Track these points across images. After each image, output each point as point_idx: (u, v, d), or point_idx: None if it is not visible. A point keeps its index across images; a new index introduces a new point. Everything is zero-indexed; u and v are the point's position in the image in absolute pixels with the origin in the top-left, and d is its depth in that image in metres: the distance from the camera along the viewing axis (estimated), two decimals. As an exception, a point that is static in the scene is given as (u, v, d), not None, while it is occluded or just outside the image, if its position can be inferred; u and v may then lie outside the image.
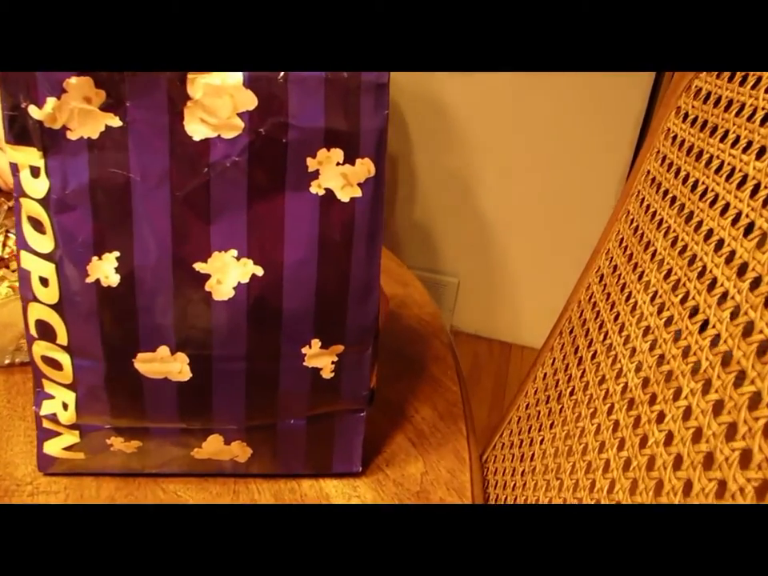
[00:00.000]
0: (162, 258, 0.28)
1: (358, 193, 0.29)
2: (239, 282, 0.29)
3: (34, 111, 0.25)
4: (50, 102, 0.25)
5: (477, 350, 1.95)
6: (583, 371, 0.36)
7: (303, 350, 0.32)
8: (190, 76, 0.26)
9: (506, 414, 0.49)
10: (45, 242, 0.28)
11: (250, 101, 0.26)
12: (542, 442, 0.38)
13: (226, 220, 0.28)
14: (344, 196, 0.29)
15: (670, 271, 0.30)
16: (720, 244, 0.28)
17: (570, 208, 1.71)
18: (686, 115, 0.33)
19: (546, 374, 0.43)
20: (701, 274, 0.29)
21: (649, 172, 0.38)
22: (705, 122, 0.34)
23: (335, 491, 0.38)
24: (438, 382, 0.49)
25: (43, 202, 0.27)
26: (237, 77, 0.26)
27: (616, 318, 0.34)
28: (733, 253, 0.27)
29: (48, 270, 0.28)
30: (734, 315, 0.24)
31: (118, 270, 0.28)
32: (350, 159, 0.28)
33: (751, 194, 0.26)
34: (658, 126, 0.37)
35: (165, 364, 0.30)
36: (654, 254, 0.33)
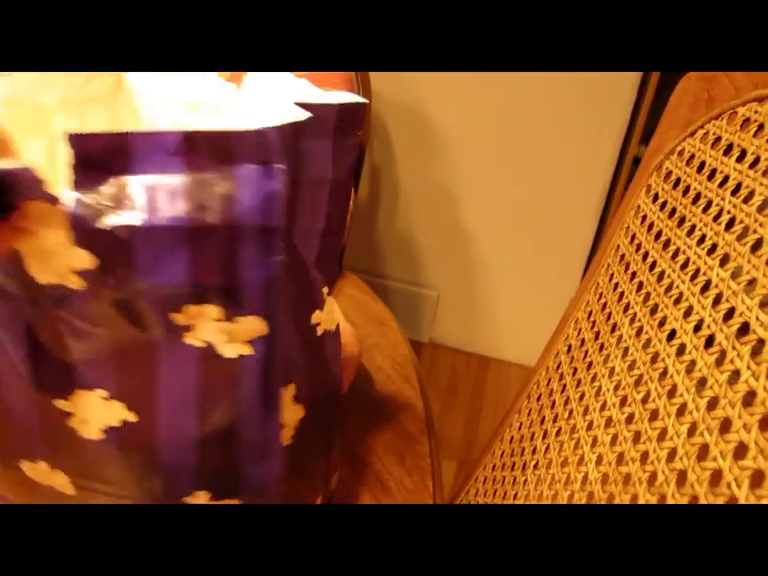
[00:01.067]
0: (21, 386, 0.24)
1: (247, 350, 0.24)
2: (108, 426, 0.25)
3: None
4: None
5: (455, 363, 1.96)
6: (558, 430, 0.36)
7: (187, 500, 0.28)
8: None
9: (489, 439, 0.49)
10: None
11: (86, 261, 0.21)
12: (524, 482, 0.38)
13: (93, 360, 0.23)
14: (229, 352, 0.24)
15: (670, 285, 0.31)
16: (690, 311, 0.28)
17: (552, 223, 1.72)
18: (656, 197, 0.34)
19: (540, 395, 0.43)
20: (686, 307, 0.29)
21: (618, 247, 0.39)
22: (674, 210, 0.34)
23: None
24: (407, 434, 0.49)
25: None
26: (61, 236, 0.20)
27: (613, 330, 0.34)
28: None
29: None
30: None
31: None
32: (229, 316, 0.23)
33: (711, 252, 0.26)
34: (628, 202, 0.37)
35: (47, 475, 0.27)
36: (652, 267, 0.33)
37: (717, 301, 0.27)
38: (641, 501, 0.28)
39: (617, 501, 0.29)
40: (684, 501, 0.24)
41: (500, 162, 1.70)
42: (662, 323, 0.33)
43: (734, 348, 0.25)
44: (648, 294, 0.35)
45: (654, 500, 0.27)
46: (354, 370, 0.48)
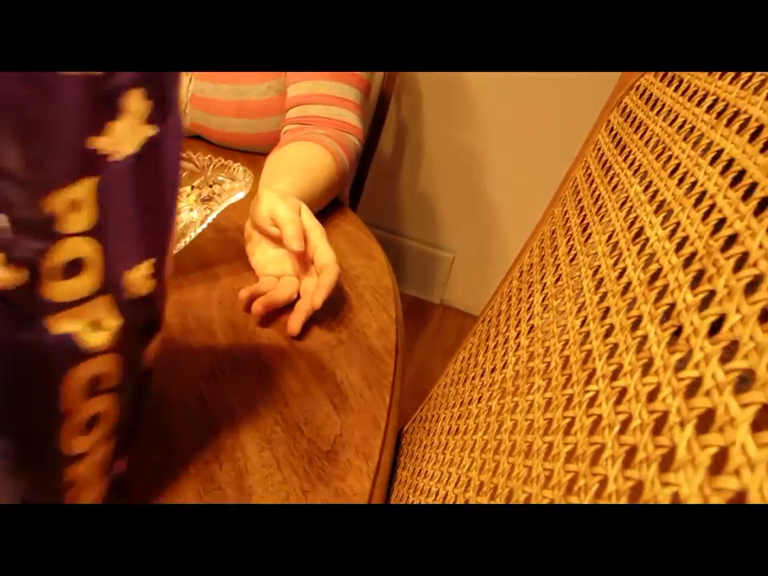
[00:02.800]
0: None
1: None
2: None
3: None
4: None
5: (463, 327, 1.98)
6: (485, 359, 0.38)
7: None
8: None
9: (430, 391, 0.52)
10: None
11: None
12: (442, 420, 0.41)
13: None
14: None
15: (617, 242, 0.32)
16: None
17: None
18: (612, 130, 0.35)
19: (462, 358, 0.46)
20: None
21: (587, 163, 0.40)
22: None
23: (251, 442, 0.41)
24: (375, 354, 0.52)
25: None
26: None
27: (517, 314, 0.36)
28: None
29: None
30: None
31: None
32: None
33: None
34: (591, 137, 0.38)
35: None
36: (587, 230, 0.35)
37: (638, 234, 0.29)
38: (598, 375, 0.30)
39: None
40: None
41: (528, 132, 1.69)
42: (590, 243, 0.34)
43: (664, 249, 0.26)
44: (586, 221, 0.36)
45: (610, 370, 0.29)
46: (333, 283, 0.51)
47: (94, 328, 0.24)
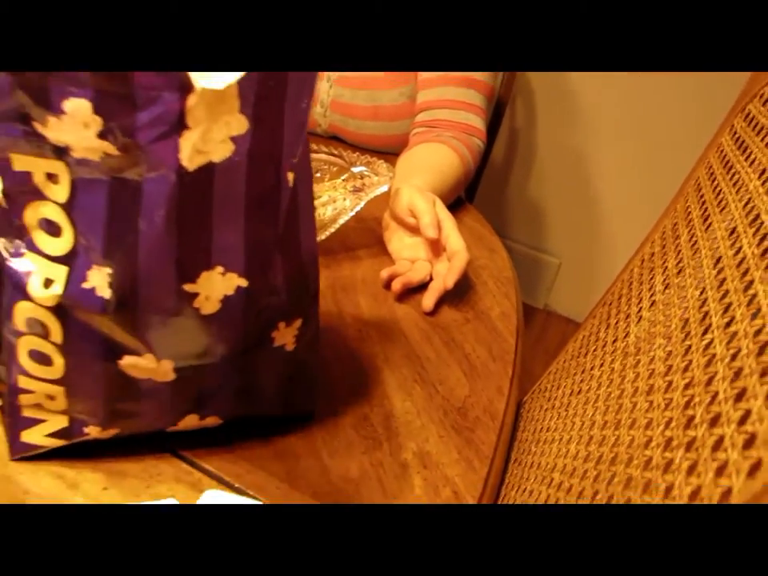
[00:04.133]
0: (157, 278, 0.29)
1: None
2: (225, 295, 0.31)
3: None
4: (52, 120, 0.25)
5: (566, 333, 1.99)
6: (606, 334, 0.43)
7: (273, 335, 0.36)
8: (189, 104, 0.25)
9: (548, 367, 0.57)
10: (59, 245, 0.29)
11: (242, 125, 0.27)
12: (564, 387, 0.46)
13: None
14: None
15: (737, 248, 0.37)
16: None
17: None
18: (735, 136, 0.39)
19: (583, 336, 0.51)
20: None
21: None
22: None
23: (395, 394, 0.48)
24: (498, 333, 0.58)
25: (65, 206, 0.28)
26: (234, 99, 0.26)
27: (638, 295, 0.41)
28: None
29: (57, 272, 0.29)
30: None
31: (111, 284, 0.29)
32: None
33: None
34: (714, 141, 0.42)
35: (149, 368, 0.33)
36: (695, 245, 0.40)
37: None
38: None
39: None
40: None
41: (637, 139, 1.68)
42: (711, 230, 0.38)
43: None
44: (707, 213, 0.40)
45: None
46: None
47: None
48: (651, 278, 0.39)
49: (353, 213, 0.62)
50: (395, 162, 0.81)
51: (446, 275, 0.59)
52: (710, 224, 0.34)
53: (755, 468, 0.21)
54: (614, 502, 0.29)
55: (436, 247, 0.64)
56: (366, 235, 0.70)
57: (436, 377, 0.51)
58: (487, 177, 1.92)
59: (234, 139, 0.27)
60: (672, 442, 0.27)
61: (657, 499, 0.26)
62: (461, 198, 0.88)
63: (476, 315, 0.60)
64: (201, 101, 0.25)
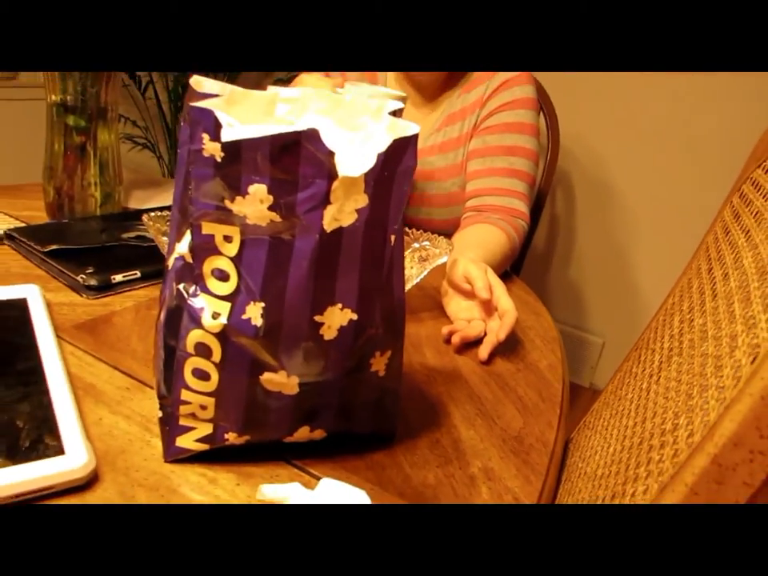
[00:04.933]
0: (297, 311, 0.40)
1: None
2: (341, 325, 0.42)
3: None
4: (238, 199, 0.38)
5: (612, 411, 2.02)
6: (642, 377, 0.52)
7: (371, 361, 0.46)
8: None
9: (593, 404, 0.65)
10: (225, 287, 0.40)
11: (364, 201, 0.39)
12: (606, 425, 0.54)
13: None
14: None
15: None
16: None
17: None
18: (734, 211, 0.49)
19: (619, 377, 0.59)
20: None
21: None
22: None
23: (460, 424, 0.57)
24: (546, 381, 0.67)
25: (234, 258, 0.39)
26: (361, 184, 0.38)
27: (670, 334, 0.50)
28: None
29: (223, 307, 0.41)
30: None
31: (263, 315, 0.40)
32: None
33: None
34: (717, 218, 0.52)
35: (281, 383, 0.43)
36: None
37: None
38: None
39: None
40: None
41: (675, 222, 1.78)
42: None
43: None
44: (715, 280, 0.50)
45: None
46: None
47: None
48: (672, 325, 0.48)
49: (418, 280, 0.74)
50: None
51: (498, 330, 0.69)
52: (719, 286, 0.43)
53: None
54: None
55: (488, 308, 0.74)
56: (427, 301, 0.82)
57: (494, 412, 0.60)
58: (530, 259, 2.03)
59: (357, 210, 0.39)
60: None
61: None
62: (507, 271, 0.99)
63: (526, 366, 0.69)
64: (341, 184, 0.37)
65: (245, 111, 0.45)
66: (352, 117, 0.50)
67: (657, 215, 1.82)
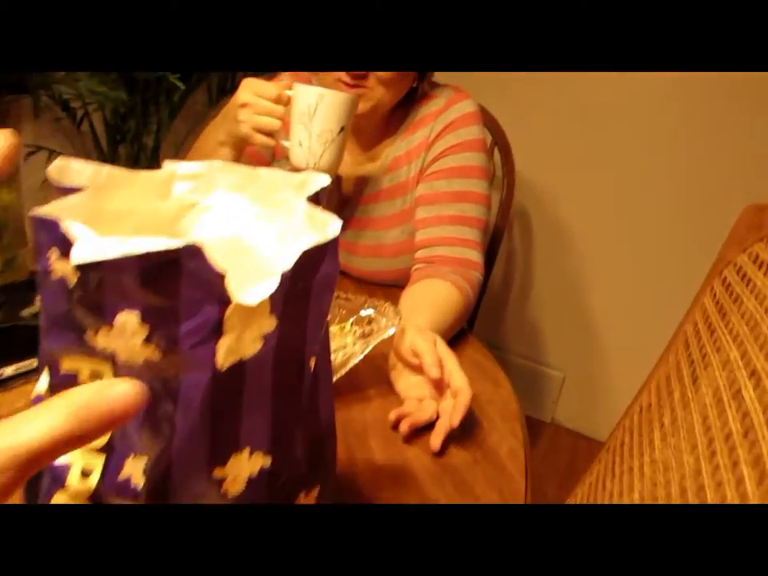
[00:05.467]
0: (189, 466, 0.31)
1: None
2: (250, 476, 0.33)
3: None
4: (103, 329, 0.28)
5: (576, 448, 1.96)
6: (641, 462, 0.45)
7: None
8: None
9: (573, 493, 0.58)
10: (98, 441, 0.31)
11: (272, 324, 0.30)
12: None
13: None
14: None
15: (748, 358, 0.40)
16: None
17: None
18: (715, 296, 0.43)
19: (590, 483, 0.52)
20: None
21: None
22: None
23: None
24: (507, 473, 0.59)
25: None
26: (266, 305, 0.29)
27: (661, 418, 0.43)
28: None
29: (95, 462, 0.32)
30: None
31: (145, 471, 0.31)
32: None
33: None
34: (698, 300, 0.46)
35: None
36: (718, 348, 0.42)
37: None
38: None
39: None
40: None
41: (634, 255, 1.75)
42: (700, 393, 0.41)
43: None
44: (695, 373, 0.43)
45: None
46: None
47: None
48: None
49: (362, 356, 0.65)
50: (399, 296, 0.85)
51: (451, 414, 0.61)
52: (699, 386, 0.37)
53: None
54: None
55: (440, 385, 0.66)
56: (375, 374, 0.73)
57: (449, 525, 0.51)
58: (488, 295, 1.98)
59: (264, 336, 0.30)
60: None
61: None
62: (463, 327, 0.91)
63: (484, 454, 0.62)
64: (236, 311, 0.29)
65: (130, 197, 0.37)
66: (269, 192, 0.42)
67: (614, 248, 1.79)
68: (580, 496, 0.54)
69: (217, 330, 0.29)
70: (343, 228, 1.01)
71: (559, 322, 1.97)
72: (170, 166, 0.38)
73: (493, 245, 1.47)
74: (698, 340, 0.40)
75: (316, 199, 0.39)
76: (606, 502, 0.45)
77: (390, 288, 1.01)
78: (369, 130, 0.99)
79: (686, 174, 1.63)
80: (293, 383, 0.33)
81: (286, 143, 0.85)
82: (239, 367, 0.30)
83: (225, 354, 0.29)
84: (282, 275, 0.29)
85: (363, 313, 0.70)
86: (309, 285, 0.32)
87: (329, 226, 0.34)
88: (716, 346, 0.37)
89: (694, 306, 0.46)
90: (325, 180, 0.40)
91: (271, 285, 0.29)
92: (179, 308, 0.28)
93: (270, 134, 0.85)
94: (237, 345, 0.30)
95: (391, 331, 0.66)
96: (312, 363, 0.34)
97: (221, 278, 0.28)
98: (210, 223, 0.43)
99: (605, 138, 1.70)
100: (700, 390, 0.35)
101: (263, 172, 0.42)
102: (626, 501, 0.39)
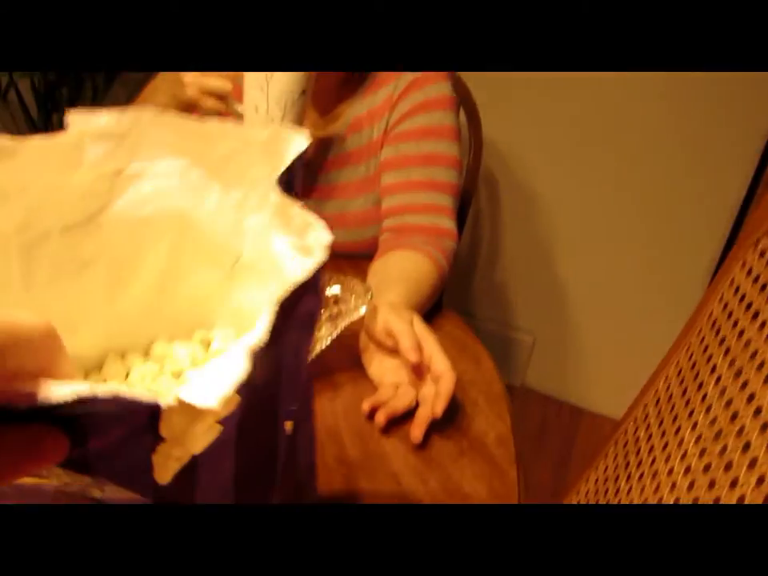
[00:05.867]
0: None
1: None
2: None
3: None
4: None
5: (546, 412, 1.95)
6: (666, 443, 0.40)
7: None
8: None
9: (575, 483, 0.53)
10: None
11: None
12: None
13: None
14: None
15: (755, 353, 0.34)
16: None
17: (653, 280, 1.70)
18: (750, 271, 0.37)
19: (626, 442, 0.47)
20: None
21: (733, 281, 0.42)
22: None
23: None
24: (496, 466, 0.54)
25: None
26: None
27: (699, 388, 0.38)
28: None
29: None
30: None
31: None
32: None
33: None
34: (724, 274, 0.41)
35: None
36: (740, 334, 0.37)
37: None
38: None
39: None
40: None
41: (602, 217, 1.71)
42: (743, 386, 0.36)
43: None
44: (734, 360, 0.38)
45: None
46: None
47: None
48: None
49: (328, 342, 0.59)
50: (365, 266, 0.79)
51: (433, 402, 0.55)
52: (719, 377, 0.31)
53: None
54: None
55: (419, 369, 0.60)
56: (344, 356, 0.66)
57: (437, 530, 0.46)
58: (456, 261, 1.92)
59: (221, 421, 0.22)
60: None
61: None
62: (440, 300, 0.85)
63: (470, 443, 0.56)
64: (179, 411, 0.20)
65: (20, 170, 0.28)
66: (220, 154, 0.34)
67: (584, 212, 1.74)
68: (594, 481, 0.49)
69: (149, 441, 0.20)
70: (304, 197, 0.93)
71: (528, 286, 1.93)
72: (77, 123, 0.30)
73: (461, 210, 1.40)
74: (731, 318, 0.35)
75: (289, 176, 0.30)
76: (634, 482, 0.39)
77: (357, 260, 0.94)
78: (327, 89, 0.89)
79: (657, 134, 1.59)
80: (262, 459, 0.26)
81: (239, 108, 0.76)
82: (189, 466, 0.22)
83: (165, 465, 0.21)
84: (254, 347, 0.21)
85: (329, 292, 0.63)
86: (282, 328, 0.24)
87: (313, 246, 0.26)
88: (742, 341, 0.31)
89: (718, 283, 0.40)
90: (300, 141, 0.32)
91: (237, 369, 0.20)
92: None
93: (220, 97, 0.76)
94: (182, 446, 0.22)
95: (362, 311, 0.59)
96: (288, 426, 0.27)
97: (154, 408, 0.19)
98: (138, 197, 0.35)
99: (575, 99, 1.64)
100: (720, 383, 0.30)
101: (210, 126, 0.33)
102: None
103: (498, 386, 0.66)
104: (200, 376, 0.19)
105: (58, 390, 0.16)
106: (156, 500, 0.21)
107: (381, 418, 0.55)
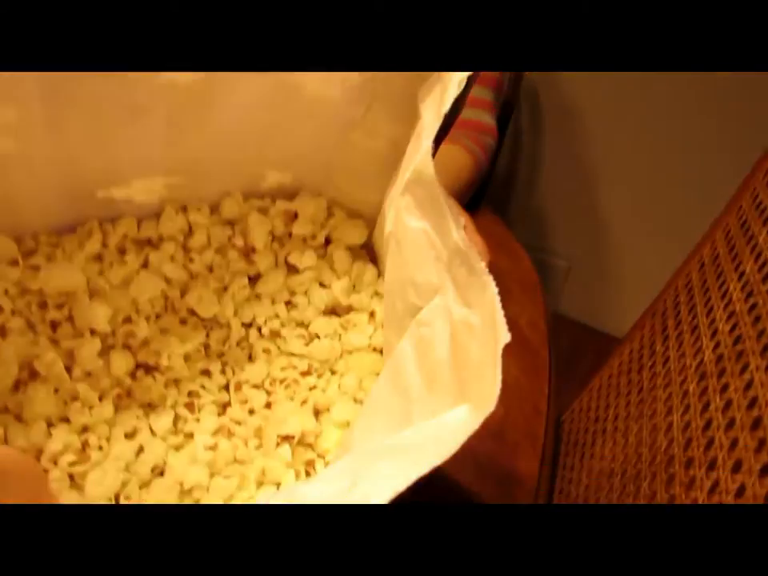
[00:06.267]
0: None
1: None
2: None
3: None
4: None
5: (578, 338, 1.93)
6: (666, 347, 0.38)
7: None
8: None
9: (588, 382, 0.52)
10: None
11: None
12: (615, 407, 0.41)
13: None
14: None
15: (764, 264, 0.32)
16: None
17: (689, 210, 1.63)
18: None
19: (632, 350, 0.45)
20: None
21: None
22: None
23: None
24: (529, 346, 0.53)
25: None
26: None
27: (707, 303, 0.36)
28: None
29: None
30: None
31: None
32: None
33: None
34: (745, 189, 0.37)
35: None
36: (754, 248, 0.34)
37: None
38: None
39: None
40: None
41: (641, 146, 1.63)
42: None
43: None
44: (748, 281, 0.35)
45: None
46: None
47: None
48: (722, 285, 0.34)
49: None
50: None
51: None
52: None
53: None
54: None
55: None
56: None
57: (466, 398, 0.45)
58: (493, 182, 1.88)
59: None
60: None
61: None
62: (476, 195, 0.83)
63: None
64: None
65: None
66: None
67: (629, 135, 1.66)
68: (617, 366, 0.48)
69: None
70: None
71: (566, 210, 1.88)
72: None
73: (502, 122, 1.35)
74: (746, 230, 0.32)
75: None
76: (659, 367, 0.38)
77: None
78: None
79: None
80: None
81: None
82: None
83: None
84: None
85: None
86: None
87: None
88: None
89: (742, 190, 0.37)
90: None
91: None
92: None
93: None
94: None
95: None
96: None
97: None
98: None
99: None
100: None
101: None
102: (689, 362, 0.32)
103: (533, 276, 0.64)
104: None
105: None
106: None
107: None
